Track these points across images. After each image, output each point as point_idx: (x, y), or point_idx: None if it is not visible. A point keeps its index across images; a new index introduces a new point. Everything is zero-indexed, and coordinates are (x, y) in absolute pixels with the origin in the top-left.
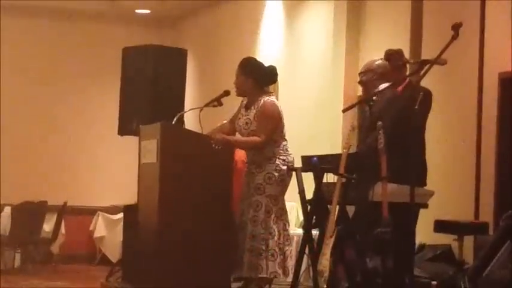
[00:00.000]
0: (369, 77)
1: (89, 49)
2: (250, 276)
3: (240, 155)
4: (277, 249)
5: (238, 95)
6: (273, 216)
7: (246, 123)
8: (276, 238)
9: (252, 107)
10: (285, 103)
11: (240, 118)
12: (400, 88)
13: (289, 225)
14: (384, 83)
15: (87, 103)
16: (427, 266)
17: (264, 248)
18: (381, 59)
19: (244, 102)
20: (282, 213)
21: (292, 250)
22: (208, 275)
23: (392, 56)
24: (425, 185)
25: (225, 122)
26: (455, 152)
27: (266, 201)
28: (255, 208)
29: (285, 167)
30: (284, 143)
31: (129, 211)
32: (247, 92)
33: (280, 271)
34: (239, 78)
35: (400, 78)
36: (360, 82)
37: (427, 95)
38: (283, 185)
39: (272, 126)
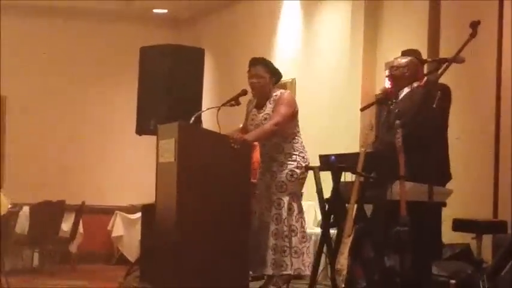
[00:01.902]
0: (401, 72)
1: (106, 49)
2: (273, 274)
3: (256, 155)
4: (300, 246)
5: (258, 94)
6: (294, 213)
7: (265, 118)
8: (298, 235)
9: (268, 103)
10: (303, 102)
11: (253, 119)
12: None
13: (305, 222)
14: (413, 80)
15: (105, 103)
16: (445, 264)
17: (288, 245)
18: (411, 57)
19: (253, 103)
20: (301, 210)
21: (309, 247)
22: (226, 274)
23: (411, 55)
24: (449, 180)
25: (241, 125)
26: (474, 151)
27: (288, 199)
28: (276, 206)
29: (304, 164)
30: (300, 139)
31: (147, 211)
32: (267, 91)
33: (303, 268)
34: (264, 77)
35: (418, 77)
36: (391, 76)
37: (445, 90)
38: (302, 182)
39: (288, 111)
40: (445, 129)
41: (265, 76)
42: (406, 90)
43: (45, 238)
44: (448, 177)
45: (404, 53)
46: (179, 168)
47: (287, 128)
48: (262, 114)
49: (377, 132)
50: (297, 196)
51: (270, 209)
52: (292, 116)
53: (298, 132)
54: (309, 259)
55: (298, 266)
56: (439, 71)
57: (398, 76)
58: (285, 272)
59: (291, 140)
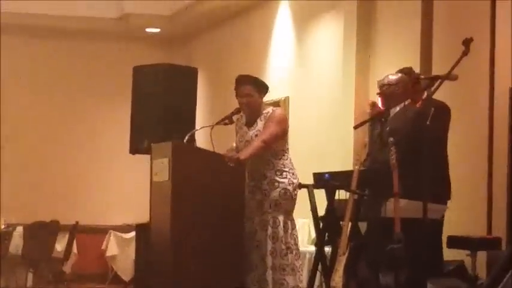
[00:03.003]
0: (392, 90)
1: (99, 68)
2: None
3: None
4: (296, 264)
5: (249, 113)
6: (289, 231)
7: (256, 135)
8: (294, 253)
9: (258, 120)
10: (296, 120)
11: (243, 135)
12: (419, 103)
13: (297, 239)
14: (405, 97)
15: (98, 122)
16: (440, 281)
17: (287, 263)
18: (401, 74)
19: (242, 121)
20: (294, 227)
21: (302, 265)
22: None
23: (405, 73)
24: (448, 198)
25: (234, 145)
26: (467, 167)
27: (283, 217)
28: (272, 225)
29: (295, 181)
30: (290, 157)
31: (142, 230)
32: (258, 109)
33: (301, 285)
34: (254, 96)
35: (417, 93)
36: (381, 94)
37: (442, 109)
38: (295, 200)
39: (277, 128)
40: (442, 147)
41: (254, 94)
42: (398, 107)
43: (39, 258)
44: (446, 195)
45: (400, 71)
46: (173, 187)
47: (278, 145)
48: (253, 131)
49: (369, 149)
50: (290, 213)
51: (265, 228)
52: (283, 134)
53: (287, 149)
54: (301, 277)
55: (296, 283)
56: (432, 88)
57: (389, 94)
58: None
59: (281, 156)
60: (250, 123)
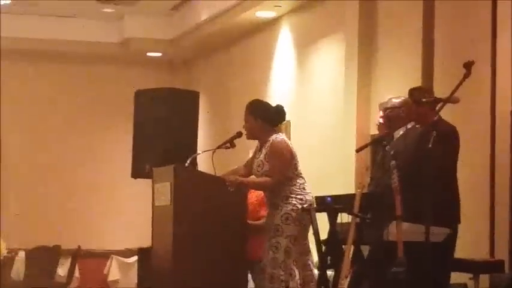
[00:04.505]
0: (396, 113)
1: (100, 92)
2: None
3: (252, 196)
4: None
5: (249, 138)
6: (292, 257)
7: (258, 165)
8: (296, 279)
9: (263, 148)
10: (297, 142)
11: (254, 161)
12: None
13: (313, 265)
14: (408, 120)
15: (99, 146)
16: None
17: None
18: (404, 97)
19: (258, 145)
20: (303, 253)
21: None
22: None
23: (414, 92)
24: (454, 222)
25: (239, 165)
26: (469, 190)
27: (285, 242)
28: (274, 250)
29: (301, 206)
30: (300, 181)
31: (144, 254)
32: (258, 134)
33: None
34: (248, 121)
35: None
36: (385, 117)
37: (449, 133)
38: (302, 225)
39: (281, 164)
40: (447, 170)
41: (249, 120)
42: (401, 130)
43: (41, 283)
44: (451, 218)
45: (409, 91)
46: (175, 212)
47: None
48: (257, 159)
49: (372, 173)
50: (296, 239)
51: (268, 252)
52: (286, 166)
53: (297, 175)
54: None
55: None
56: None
57: (393, 117)
58: None
59: (288, 183)
60: (260, 149)
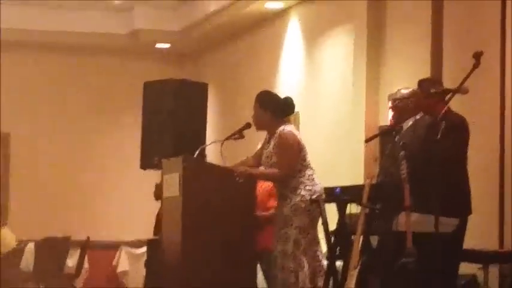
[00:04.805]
0: (405, 104)
1: (109, 83)
2: None
3: (260, 187)
4: (307, 281)
5: (258, 129)
6: (302, 248)
7: (267, 156)
8: (305, 270)
9: (272, 140)
10: (306, 133)
11: (263, 152)
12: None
13: (322, 256)
14: (417, 111)
15: (108, 138)
16: None
17: (293, 280)
18: (412, 88)
19: (267, 137)
20: (313, 243)
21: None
22: None
23: (423, 83)
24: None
25: (248, 156)
26: (478, 180)
27: (295, 233)
28: (284, 241)
29: (310, 197)
30: (309, 172)
31: (153, 245)
32: (266, 125)
33: None
34: (257, 112)
35: (431, 107)
36: (394, 108)
37: (459, 124)
38: (311, 216)
39: (290, 156)
40: (456, 161)
41: (258, 111)
42: (410, 121)
43: (50, 274)
44: (461, 208)
45: (419, 81)
46: (184, 202)
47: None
48: (266, 151)
49: (381, 164)
50: (305, 230)
51: (278, 243)
52: (294, 157)
53: (306, 166)
54: None
55: None
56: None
57: (402, 108)
58: None
59: (296, 174)
60: (268, 140)
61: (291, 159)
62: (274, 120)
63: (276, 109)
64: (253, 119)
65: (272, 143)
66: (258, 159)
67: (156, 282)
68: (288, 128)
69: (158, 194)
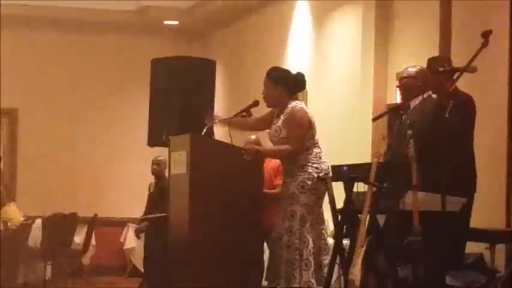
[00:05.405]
0: (412, 83)
1: (117, 60)
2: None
3: (267, 165)
4: (311, 259)
5: (269, 105)
6: (307, 225)
7: (276, 130)
8: (309, 247)
9: (281, 115)
10: (314, 112)
11: (271, 127)
12: (449, 94)
13: (327, 234)
14: (424, 90)
15: (116, 115)
16: (459, 274)
17: (297, 257)
18: (420, 66)
19: (276, 112)
20: (318, 221)
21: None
22: (239, 284)
23: (432, 62)
24: (470, 192)
25: (253, 137)
26: (485, 159)
27: (301, 210)
28: (289, 218)
29: (318, 174)
30: (317, 150)
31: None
32: (277, 101)
33: (313, 281)
34: (268, 88)
35: (440, 85)
36: (401, 87)
37: (465, 102)
38: (318, 194)
39: (301, 132)
40: (464, 140)
41: (269, 86)
42: (417, 100)
43: (57, 251)
44: (468, 187)
45: (428, 60)
46: (191, 180)
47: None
48: (275, 125)
49: (388, 142)
50: (311, 208)
51: (284, 220)
52: (305, 134)
53: (314, 143)
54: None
55: (308, 278)
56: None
57: (409, 86)
58: (293, 286)
59: (304, 152)
60: (278, 115)
61: (302, 136)
62: (286, 96)
63: (287, 84)
64: (264, 95)
65: (282, 118)
66: (260, 123)
67: (162, 258)
68: (300, 104)
69: (155, 169)
